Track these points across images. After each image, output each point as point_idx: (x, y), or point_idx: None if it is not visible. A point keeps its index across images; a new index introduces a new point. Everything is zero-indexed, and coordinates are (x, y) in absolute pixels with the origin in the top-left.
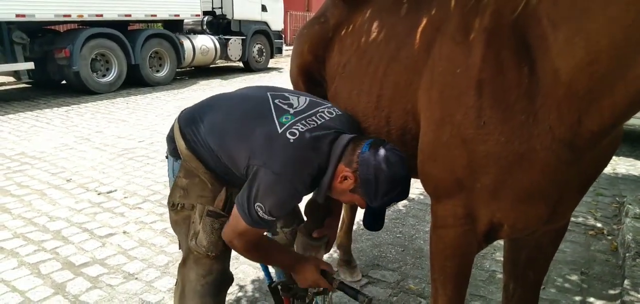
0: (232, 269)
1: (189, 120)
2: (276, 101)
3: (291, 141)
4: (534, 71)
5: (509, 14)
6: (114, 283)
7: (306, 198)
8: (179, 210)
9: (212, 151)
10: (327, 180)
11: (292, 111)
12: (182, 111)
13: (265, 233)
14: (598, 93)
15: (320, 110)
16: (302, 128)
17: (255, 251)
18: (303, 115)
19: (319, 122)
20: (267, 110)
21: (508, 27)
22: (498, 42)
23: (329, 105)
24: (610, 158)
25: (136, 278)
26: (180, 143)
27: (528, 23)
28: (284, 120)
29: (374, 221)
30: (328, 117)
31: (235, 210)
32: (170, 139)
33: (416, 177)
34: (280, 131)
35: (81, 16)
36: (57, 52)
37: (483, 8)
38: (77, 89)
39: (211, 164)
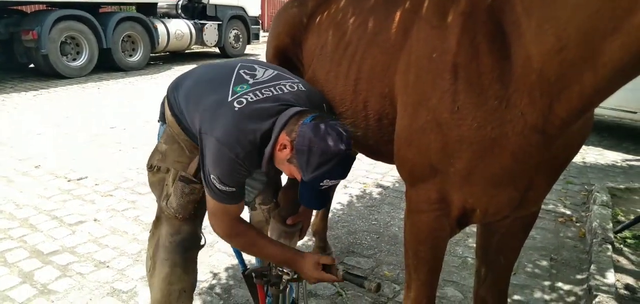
0: (206, 257)
1: (173, 86)
2: (242, 71)
3: (236, 109)
4: (508, 57)
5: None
6: (85, 271)
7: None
8: (155, 172)
9: (185, 116)
10: (269, 148)
11: (251, 81)
12: (174, 79)
13: (242, 217)
14: (568, 80)
15: (282, 83)
16: (251, 98)
17: (237, 236)
18: (259, 86)
19: (274, 94)
20: (228, 78)
21: (484, 12)
22: (474, 27)
23: (296, 80)
24: (581, 145)
25: (107, 266)
26: (166, 108)
27: (503, 9)
28: (238, 89)
29: (308, 197)
30: (288, 90)
31: (206, 193)
32: (162, 104)
33: (393, 162)
34: (229, 99)
35: None
36: (24, 33)
37: None
38: (46, 73)
39: (189, 129)
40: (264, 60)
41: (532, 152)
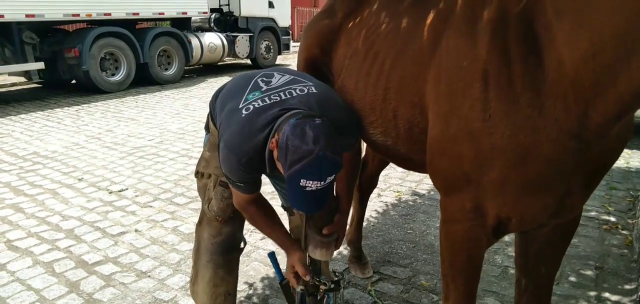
0: (243, 266)
1: (214, 96)
2: (260, 78)
3: (242, 116)
4: (540, 62)
5: (515, 5)
6: (127, 281)
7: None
8: (200, 178)
9: (218, 123)
10: (267, 152)
11: (265, 87)
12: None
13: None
14: (603, 84)
15: (293, 87)
16: (259, 104)
17: (253, 219)
18: (270, 92)
19: (281, 99)
20: (246, 86)
21: (514, 18)
22: (504, 33)
23: (310, 84)
24: (621, 151)
25: (149, 276)
26: (209, 118)
27: (534, 14)
28: (250, 96)
29: (292, 198)
30: (297, 94)
31: None
32: (208, 115)
33: (424, 171)
34: (240, 105)
35: (90, 15)
36: (67, 51)
37: (489, 0)
38: (87, 88)
39: None
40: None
41: (567, 158)
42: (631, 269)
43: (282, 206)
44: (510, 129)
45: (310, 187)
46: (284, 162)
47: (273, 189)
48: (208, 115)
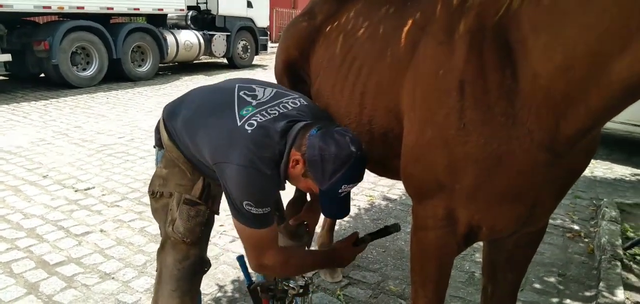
0: (212, 269)
1: (170, 113)
2: (242, 93)
3: (249, 131)
4: (515, 74)
5: (492, 17)
6: (90, 282)
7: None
8: (158, 198)
9: (188, 146)
10: (283, 166)
11: (255, 102)
12: (167, 104)
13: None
14: (574, 98)
15: (284, 101)
16: (260, 119)
17: (288, 262)
18: (264, 106)
19: (280, 112)
20: (230, 103)
21: (491, 30)
22: (480, 44)
23: (296, 96)
24: (588, 162)
25: (113, 278)
26: (164, 134)
27: (510, 26)
28: (244, 112)
29: (330, 206)
30: (291, 107)
31: (239, 227)
32: (157, 130)
33: (399, 178)
34: (239, 123)
35: (61, 8)
36: (36, 44)
37: (467, 9)
38: (56, 83)
39: (189, 155)
40: (272, 72)
41: (538, 169)
42: (592, 277)
43: None
44: (484, 138)
45: (347, 190)
46: (321, 175)
47: (228, 212)
48: (157, 130)
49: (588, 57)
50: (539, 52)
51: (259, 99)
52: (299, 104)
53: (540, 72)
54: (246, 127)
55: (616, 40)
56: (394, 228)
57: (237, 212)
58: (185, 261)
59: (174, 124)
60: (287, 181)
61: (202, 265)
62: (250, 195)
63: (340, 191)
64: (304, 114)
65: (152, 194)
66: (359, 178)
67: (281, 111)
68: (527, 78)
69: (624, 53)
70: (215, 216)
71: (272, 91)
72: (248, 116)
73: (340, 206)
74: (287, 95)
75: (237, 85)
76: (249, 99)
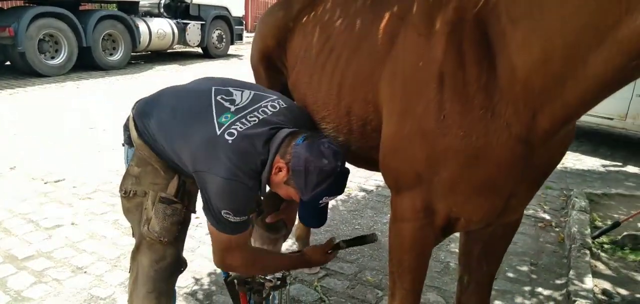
0: (189, 261)
1: (141, 113)
2: (219, 97)
3: (229, 142)
4: (493, 67)
5: (471, 9)
6: (61, 277)
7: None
8: (131, 197)
9: (164, 148)
10: (266, 173)
11: (233, 108)
12: (136, 101)
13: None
14: (551, 91)
15: (263, 105)
16: (240, 128)
17: (253, 264)
18: (243, 112)
19: (260, 118)
20: (208, 108)
21: (470, 22)
22: (460, 36)
23: (274, 97)
24: (563, 155)
25: (85, 272)
26: (134, 133)
27: (489, 19)
28: (223, 120)
29: (309, 216)
30: (271, 111)
31: (212, 229)
32: (126, 127)
33: (378, 169)
34: (218, 132)
35: None
36: (0, 30)
37: (446, 1)
38: (23, 72)
39: (162, 155)
40: (248, 62)
41: (516, 161)
42: (562, 266)
43: None
44: (463, 130)
45: (327, 201)
46: (304, 185)
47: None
48: (126, 128)
49: (565, 50)
50: (517, 45)
51: (237, 105)
52: (278, 107)
53: (518, 65)
54: (226, 136)
55: (593, 35)
56: (371, 238)
57: (214, 219)
58: (162, 262)
59: (147, 124)
60: (267, 186)
61: (179, 265)
62: (230, 205)
63: (320, 202)
64: (284, 118)
65: (125, 193)
66: (340, 191)
67: (261, 117)
68: (506, 71)
69: (600, 48)
70: (192, 214)
71: (250, 93)
72: (227, 124)
73: (318, 217)
74: (265, 97)
75: (213, 88)
76: (227, 104)
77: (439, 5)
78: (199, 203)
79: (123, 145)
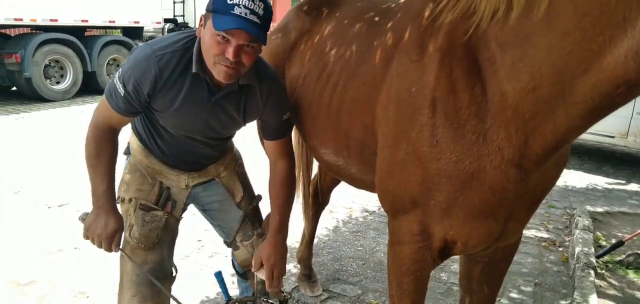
0: (190, 286)
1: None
2: None
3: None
4: (484, 92)
5: (461, 36)
6: (63, 302)
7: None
8: (122, 204)
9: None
10: (196, 47)
11: None
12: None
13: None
14: (542, 117)
15: None
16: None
17: (93, 140)
18: None
19: None
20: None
21: (461, 49)
22: (451, 62)
23: None
24: (557, 178)
25: (87, 297)
26: (132, 136)
27: (478, 45)
28: None
29: (224, 19)
30: None
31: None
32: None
33: (376, 192)
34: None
35: (34, 20)
36: (7, 57)
37: (438, 28)
38: (29, 97)
39: (144, 139)
40: None
41: (509, 186)
42: (566, 285)
43: (225, 242)
44: (456, 155)
45: (240, 11)
46: (211, 4)
47: (207, 227)
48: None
49: (553, 76)
50: (507, 71)
51: None
52: None
53: (508, 90)
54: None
55: (579, 63)
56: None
57: (108, 86)
58: (144, 266)
59: (136, 121)
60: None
61: (163, 271)
62: (127, 64)
63: (232, 10)
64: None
65: (118, 199)
66: None
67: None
68: (496, 96)
69: (587, 75)
70: (188, 224)
71: None
72: None
73: (234, 19)
74: None
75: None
76: None
77: (430, 32)
78: (188, 212)
79: (124, 154)
